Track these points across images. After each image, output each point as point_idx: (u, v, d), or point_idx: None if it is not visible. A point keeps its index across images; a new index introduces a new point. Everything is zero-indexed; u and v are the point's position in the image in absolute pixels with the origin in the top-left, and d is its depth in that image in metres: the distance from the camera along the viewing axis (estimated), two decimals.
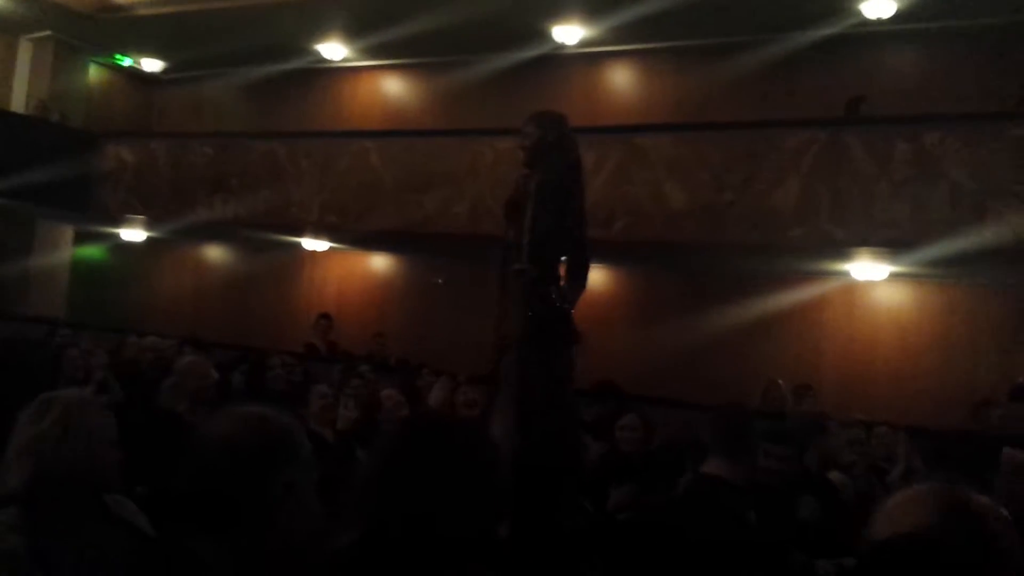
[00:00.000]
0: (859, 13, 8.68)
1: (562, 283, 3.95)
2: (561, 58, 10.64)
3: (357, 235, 10.11)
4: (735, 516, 2.98)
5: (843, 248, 7.55)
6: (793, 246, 7.62)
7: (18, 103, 12.38)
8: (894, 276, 8.44)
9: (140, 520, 2.28)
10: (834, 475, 4.55)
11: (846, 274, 8.48)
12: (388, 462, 1.39)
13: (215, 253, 12.94)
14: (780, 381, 7.54)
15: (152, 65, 13.28)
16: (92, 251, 13.11)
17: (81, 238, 12.86)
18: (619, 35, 9.97)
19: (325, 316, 10.04)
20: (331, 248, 11.36)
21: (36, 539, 2.06)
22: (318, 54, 11.67)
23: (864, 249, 7.55)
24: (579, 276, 4.02)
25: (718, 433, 3.23)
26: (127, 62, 13.28)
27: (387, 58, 11.71)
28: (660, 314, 9.35)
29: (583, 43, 10.29)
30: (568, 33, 10.09)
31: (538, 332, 3.77)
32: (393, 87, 12.14)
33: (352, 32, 11.06)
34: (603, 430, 5.18)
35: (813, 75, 9.30)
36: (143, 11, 11.51)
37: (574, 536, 3.51)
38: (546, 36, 10.14)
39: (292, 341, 10.00)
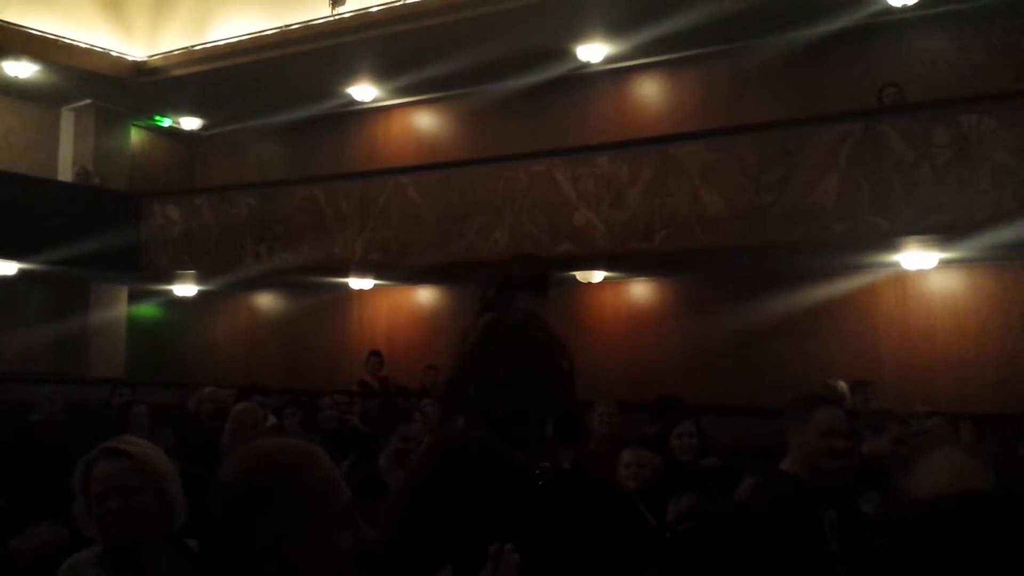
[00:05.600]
0: (883, 1, 8.62)
1: None
2: (587, 76, 10.69)
3: (401, 270, 10.20)
4: (808, 517, 2.87)
5: (889, 239, 7.42)
6: (838, 241, 7.51)
7: (64, 172, 12.74)
8: (945, 263, 8.28)
9: None
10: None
11: (896, 265, 8.34)
12: (410, 481, 1.45)
13: (265, 300, 13.15)
14: (839, 382, 7.41)
15: (191, 123, 13.62)
16: (147, 309, 13.41)
17: (135, 297, 13.14)
18: (643, 49, 10.00)
19: (375, 353, 10.12)
20: (376, 285, 11.48)
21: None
22: (349, 97, 11.89)
23: (911, 238, 7.42)
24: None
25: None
26: (167, 122, 13.64)
27: (416, 94, 11.86)
28: (709, 321, 9.28)
29: (608, 60, 10.33)
30: (592, 51, 10.14)
31: None
32: (424, 121, 12.29)
33: (381, 73, 11.26)
34: (662, 444, 5.14)
35: (843, 68, 9.22)
36: (177, 72, 11.85)
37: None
38: (571, 56, 10.21)
39: (346, 380, 10.12)
